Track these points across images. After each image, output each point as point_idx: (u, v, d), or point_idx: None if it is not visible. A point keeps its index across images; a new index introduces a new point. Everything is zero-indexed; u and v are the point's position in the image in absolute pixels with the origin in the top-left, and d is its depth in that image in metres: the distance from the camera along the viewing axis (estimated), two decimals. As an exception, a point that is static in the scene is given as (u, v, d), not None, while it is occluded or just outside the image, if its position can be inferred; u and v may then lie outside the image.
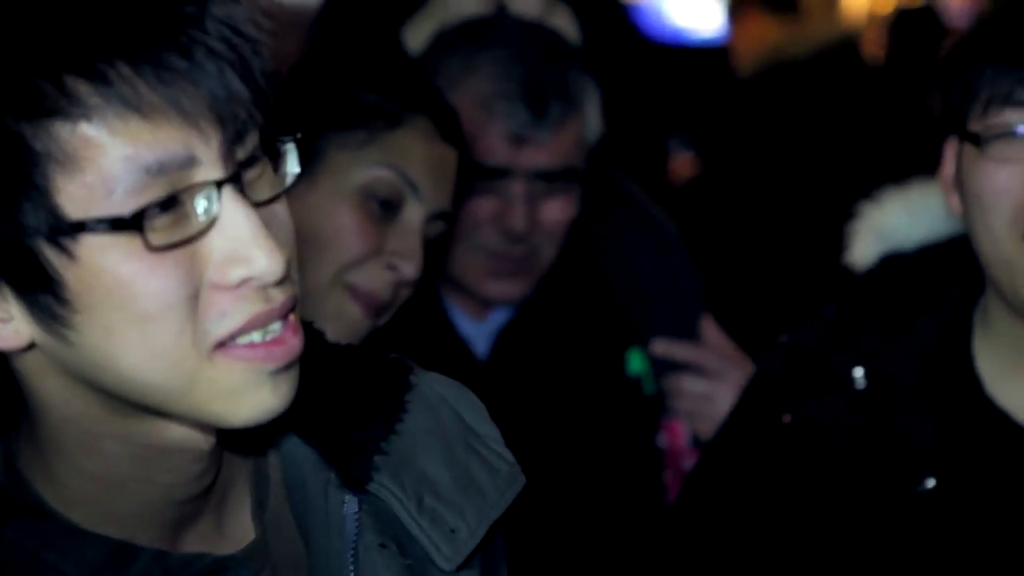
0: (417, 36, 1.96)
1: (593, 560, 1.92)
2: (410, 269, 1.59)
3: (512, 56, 1.85)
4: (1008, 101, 1.40)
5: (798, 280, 2.33)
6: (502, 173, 1.83)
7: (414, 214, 1.59)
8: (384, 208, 1.59)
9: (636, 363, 2.01)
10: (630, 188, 2.21)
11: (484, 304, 1.94)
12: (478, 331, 1.95)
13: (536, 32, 1.92)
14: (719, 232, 3.71)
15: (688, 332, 2.08)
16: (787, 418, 1.60)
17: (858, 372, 1.56)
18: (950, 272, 1.57)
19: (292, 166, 0.94)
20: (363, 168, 1.58)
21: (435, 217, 1.62)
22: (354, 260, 1.57)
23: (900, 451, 1.52)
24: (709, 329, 1.97)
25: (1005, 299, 1.49)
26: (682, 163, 4.50)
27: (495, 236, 1.86)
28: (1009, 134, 1.42)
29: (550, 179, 1.84)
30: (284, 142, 0.93)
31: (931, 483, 1.49)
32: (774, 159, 3.91)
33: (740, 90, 4.23)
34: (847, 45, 4.29)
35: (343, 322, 1.56)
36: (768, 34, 4.21)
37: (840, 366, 1.57)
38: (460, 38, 1.89)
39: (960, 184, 1.49)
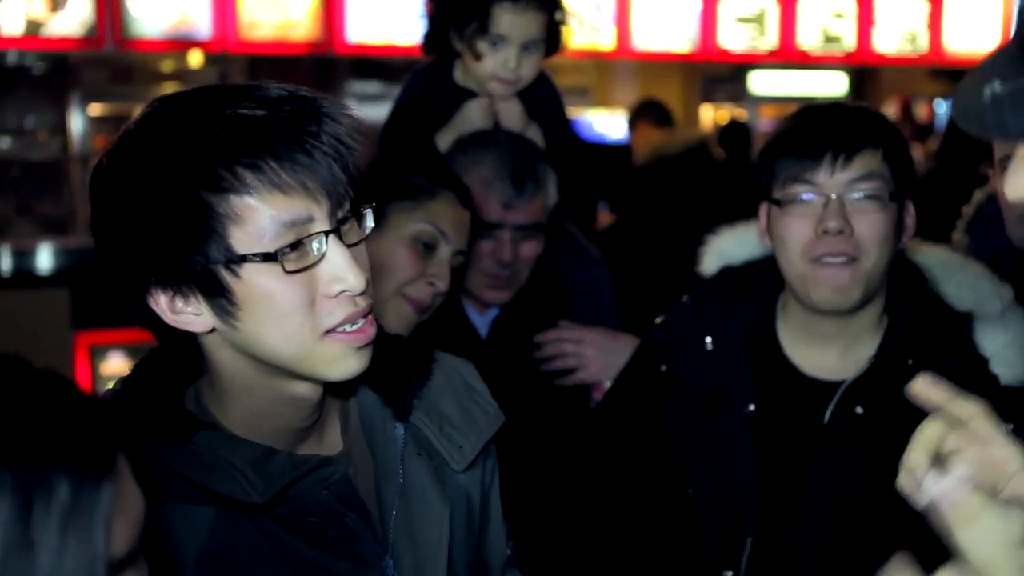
0: (444, 141, 2.38)
1: (550, 475, 2.29)
2: (443, 285, 1.99)
3: (503, 154, 2.26)
4: (797, 179, 1.72)
5: (672, 284, 2.58)
6: (498, 226, 2.24)
7: (444, 252, 2.00)
8: (426, 248, 1.99)
9: None
10: (570, 229, 2.65)
11: (484, 304, 2.35)
12: (481, 321, 2.36)
13: (518, 139, 2.34)
14: (626, 258, 4.52)
15: (606, 318, 2.49)
16: (663, 368, 1.89)
17: (708, 339, 1.86)
18: (762, 277, 1.86)
19: (369, 223, 1.22)
20: (413, 224, 1.97)
21: (457, 253, 2.03)
22: (408, 280, 1.97)
23: (733, 388, 1.80)
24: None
25: (799, 298, 1.78)
26: (604, 216, 5.65)
27: (492, 264, 2.26)
28: (798, 200, 1.72)
29: (526, 230, 2.26)
30: (365, 208, 1.22)
31: (752, 407, 1.78)
32: (657, 213, 4.95)
33: (636, 172, 5.39)
34: (702, 145, 5.38)
35: (401, 319, 1.97)
36: (652, 138, 5.53)
37: (696, 335, 1.86)
38: (470, 142, 2.32)
39: (770, 231, 1.79)
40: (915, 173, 1.83)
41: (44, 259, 6.01)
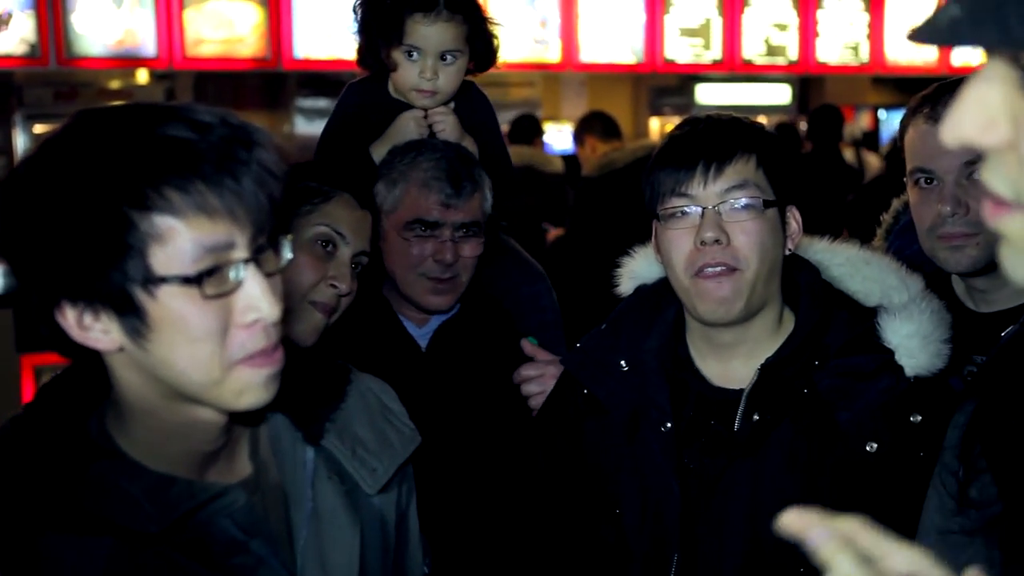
0: (378, 153, 2.40)
1: (485, 488, 2.29)
2: (344, 287, 1.98)
3: (440, 157, 2.29)
4: (673, 193, 1.73)
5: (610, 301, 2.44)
6: (437, 225, 2.26)
7: (344, 253, 2.00)
8: (325, 250, 2.00)
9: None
10: (511, 244, 2.68)
11: (426, 313, 2.34)
12: (421, 333, 2.36)
13: (454, 146, 2.37)
14: (575, 271, 4.42)
15: (550, 332, 2.53)
16: (585, 391, 1.91)
17: (622, 362, 1.86)
18: (670, 293, 1.83)
19: (287, 254, 1.22)
20: (310, 228, 1.96)
21: (359, 255, 2.03)
22: (311, 284, 1.96)
23: (650, 408, 1.80)
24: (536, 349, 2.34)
25: (689, 311, 1.80)
26: (553, 232, 5.65)
27: (433, 266, 2.27)
28: (677, 214, 1.73)
29: (466, 229, 2.28)
30: (283, 238, 1.22)
31: (669, 424, 1.78)
32: (605, 226, 4.68)
33: (584, 184, 5.32)
34: (649, 157, 5.90)
35: (310, 324, 1.96)
36: (599, 151, 5.57)
37: (611, 359, 1.88)
38: (406, 149, 2.34)
39: (658, 246, 1.81)
40: (796, 178, 1.84)
41: (-12, 281, 5.95)
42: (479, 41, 2.47)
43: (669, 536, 1.77)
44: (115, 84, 7.73)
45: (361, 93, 2.55)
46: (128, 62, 7.15)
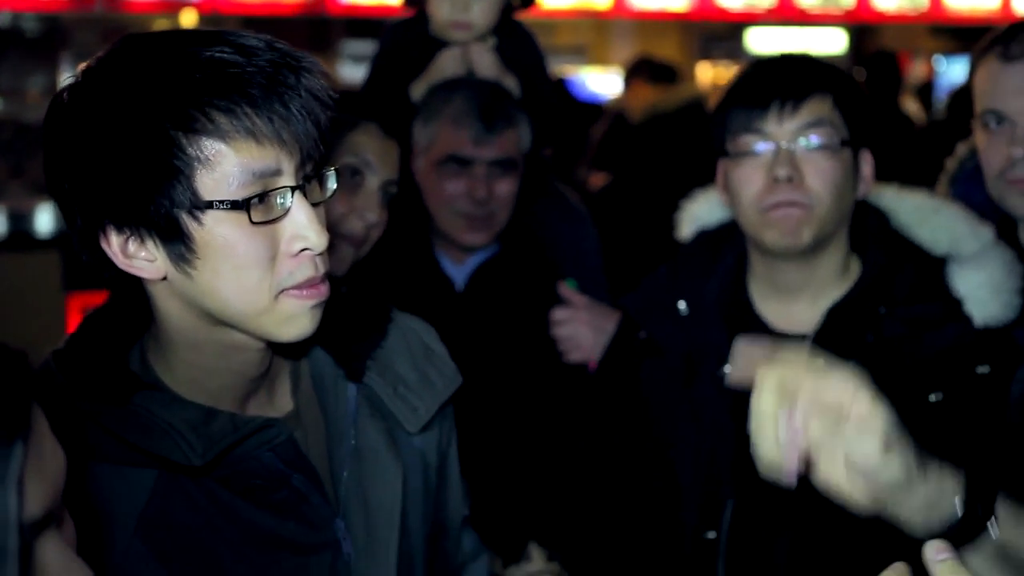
0: (417, 91, 2.41)
1: (522, 429, 2.30)
2: (373, 216, 1.96)
3: (472, 93, 2.28)
4: (746, 130, 1.72)
5: (664, 247, 2.48)
6: (469, 161, 2.25)
7: (372, 183, 1.97)
8: (353, 178, 1.96)
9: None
10: (557, 186, 2.67)
11: (463, 251, 2.33)
12: (458, 272, 2.35)
13: (487, 83, 2.36)
14: (622, 218, 4.53)
15: (590, 276, 2.49)
16: (642, 334, 1.91)
17: (682, 304, 1.85)
18: (733, 237, 1.85)
19: (331, 185, 1.21)
20: (337, 159, 1.91)
21: (387, 183, 2.00)
22: (339, 216, 1.93)
23: (708, 351, 1.80)
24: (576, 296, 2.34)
25: (756, 247, 1.78)
26: (597, 177, 5.63)
27: (467, 203, 2.26)
28: (749, 151, 1.72)
29: (499, 166, 2.26)
30: (328, 170, 1.20)
31: (728, 368, 1.77)
32: (653, 173, 4.78)
33: (632, 131, 5.38)
34: (697, 103, 5.05)
35: (339, 257, 1.91)
36: (647, 96, 5.50)
37: (670, 301, 1.86)
38: (441, 87, 2.35)
39: (726, 184, 1.79)
40: (871, 121, 1.82)
41: (36, 221, 5.99)
42: None
43: (724, 481, 1.76)
44: (161, 27, 7.70)
45: (402, 34, 2.55)
46: (173, 5, 7.13)
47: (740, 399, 1.71)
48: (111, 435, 1.17)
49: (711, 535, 1.77)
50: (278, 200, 1.14)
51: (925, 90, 9.64)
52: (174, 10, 7.28)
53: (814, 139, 1.71)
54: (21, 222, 5.98)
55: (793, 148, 1.71)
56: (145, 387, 1.20)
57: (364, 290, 1.40)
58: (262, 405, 1.29)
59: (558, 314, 2.30)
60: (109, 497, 1.18)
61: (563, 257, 2.47)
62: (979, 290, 1.73)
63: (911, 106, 7.42)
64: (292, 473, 1.26)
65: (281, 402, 1.32)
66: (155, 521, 1.19)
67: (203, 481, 1.21)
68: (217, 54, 1.10)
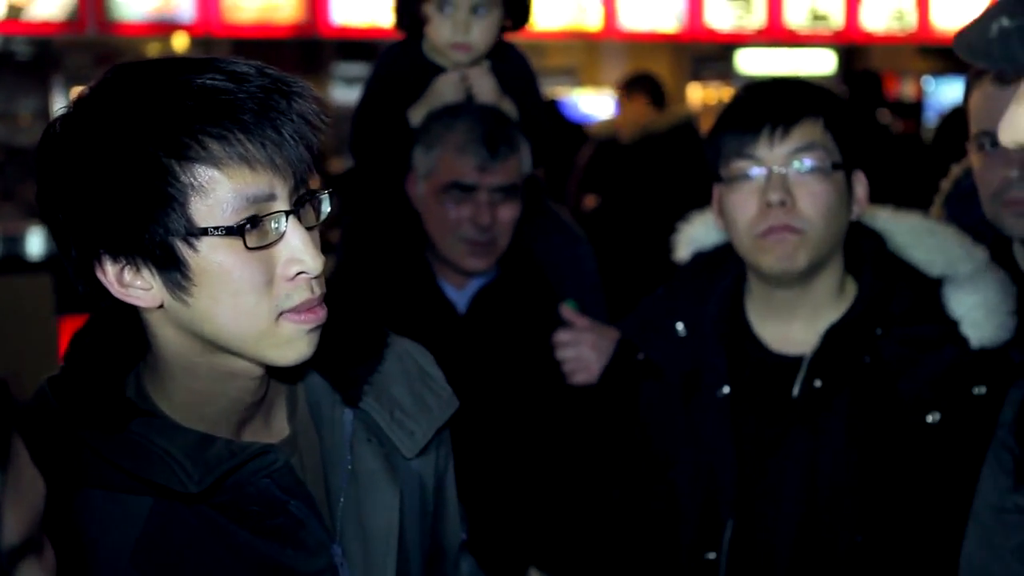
0: (416, 116, 2.41)
1: (522, 453, 2.30)
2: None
3: (475, 120, 2.28)
4: (739, 155, 1.73)
5: (655, 268, 2.55)
6: (473, 188, 2.26)
7: None
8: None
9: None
10: (553, 207, 2.67)
11: (464, 276, 2.33)
12: (460, 296, 2.35)
13: (489, 108, 2.36)
14: (613, 239, 4.72)
15: (590, 296, 2.50)
16: (640, 356, 1.92)
17: (679, 325, 1.86)
18: (730, 258, 1.85)
19: (326, 208, 1.21)
20: None
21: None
22: None
23: (707, 372, 1.81)
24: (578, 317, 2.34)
25: (753, 271, 1.79)
26: (589, 199, 5.68)
27: (471, 229, 2.26)
28: (742, 176, 1.73)
29: (502, 192, 2.27)
30: (322, 194, 1.21)
31: (726, 389, 1.79)
32: (643, 194, 5.05)
33: (622, 152, 5.45)
34: (688, 124, 5.46)
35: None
36: (641, 116, 5.49)
37: (668, 323, 1.87)
38: (443, 113, 2.34)
39: (720, 209, 1.80)
40: (864, 143, 1.82)
41: (28, 244, 5.97)
42: None
43: (724, 501, 1.77)
44: (153, 50, 7.73)
45: (397, 57, 2.54)
46: (165, 28, 7.15)
47: (738, 419, 1.78)
48: (107, 462, 1.17)
49: (711, 556, 1.77)
50: (272, 225, 1.14)
51: (913, 110, 9.70)
52: (166, 33, 7.30)
53: (806, 163, 1.72)
54: (13, 245, 5.97)
55: (785, 172, 1.71)
56: (141, 414, 1.20)
57: (360, 314, 1.39)
58: (258, 431, 1.29)
59: (562, 336, 2.30)
60: (104, 524, 1.18)
61: (562, 278, 2.48)
62: (974, 311, 1.73)
63: (897, 126, 7.46)
64: (289, 499, 1.25)
65: (278, 427, 1.32)
66: (151, 548, 1.18)
67: (199, 508, 1.20)
68: (208, 81, 1.11)
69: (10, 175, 7.21)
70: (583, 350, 2.27)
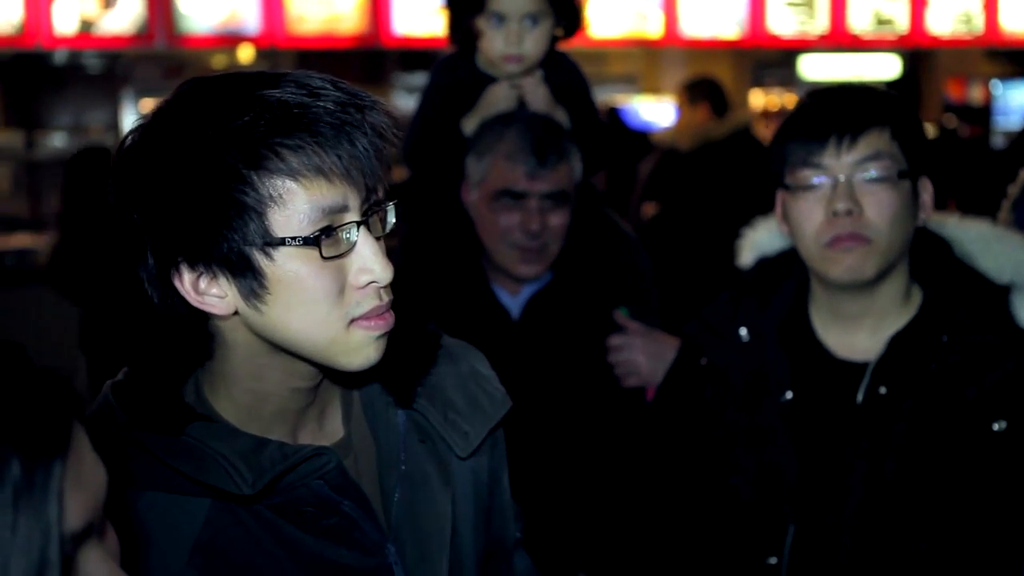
0: (469, 126, 2.45)
1: (576, 457, 2.32)
2: None
3: (525, 128, 2.31)
4: (805, 164, 1.74)
5: (714, 274, 2.57)
6: (523, 195, 2.29)
7: None
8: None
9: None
10: (607, 213, 2.66)
11: (517, 282, 2.37)
12: (513, 302, 2.39)
13: (539, 116, 2.39)
14: (672, 246, 4.75)
15: (646, 301, 2.51)
16: (704, 360, 1.92)
17: (743, 331, 1.87)
18: (794, 265, 1.86)
19: (391, 219, 1.22)
20: None
21: None
22: None
23: (769, 377, 1.82)
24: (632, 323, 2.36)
25: (819, 279, 1.79)
26: (649, 207, 5.72)
27: (521, 235, 2.30)
28: (808, 184, 1.74)
29: (552, 199, 2.30)
30: (388, 205, 1.22)
31: (789, 395, 1.80)
32: (702, 201, 4.99)
33: (681, 159, 5.43)
34: (746, 130, 5.41)
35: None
36: (701, 122, 5.47)
37: (732, 328, 1.88)
38: (494, 122, 2.38)
39: (785, 216, 1.81)
40: (930, 149, 1.81)
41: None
42: (562, 2, 2.47)
43: (785, 506, 1.77)
44: (220, 62, 7.88)
45: (450, 68, 2.58)
46: (232, 40, 7.28)
47: (801, 425, 1.78)
48: (165, 465, 1.19)
49: (772, 560, 1.77)
50: (344, 235, 1.16)
51: (982, 115, 9.53)
52: (232, 45, 7.43)
53: (873, 172, 1.71)
54: (83, 254, 6.09)
55: (852, 181, 1.71)
56: (199, 418, 1.22)
57: (413, 318, 1.41)
58: (314, 433, 1.31)
59: (615, 340, 2.32)
60: (164, 525, 1.20)
61: (615, 283, 2.49)
62: None
63: (964, 131, 7.34)
64: (342, 500, 1.27)
65: (332, 429, 1.34)
66: (209, 549, 1.21)
67: (256, 509, 1.23)
68: (286, 95, 1.13)
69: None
70: (635, 354, 2.29)
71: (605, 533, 2.28)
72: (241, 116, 1.12)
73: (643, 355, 2.30)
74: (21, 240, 6.53)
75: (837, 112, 1.73)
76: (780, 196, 1.81)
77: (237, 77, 1.17)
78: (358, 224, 1.17)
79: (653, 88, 9.21)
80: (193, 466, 1.19)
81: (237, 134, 1.12)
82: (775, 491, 1.78)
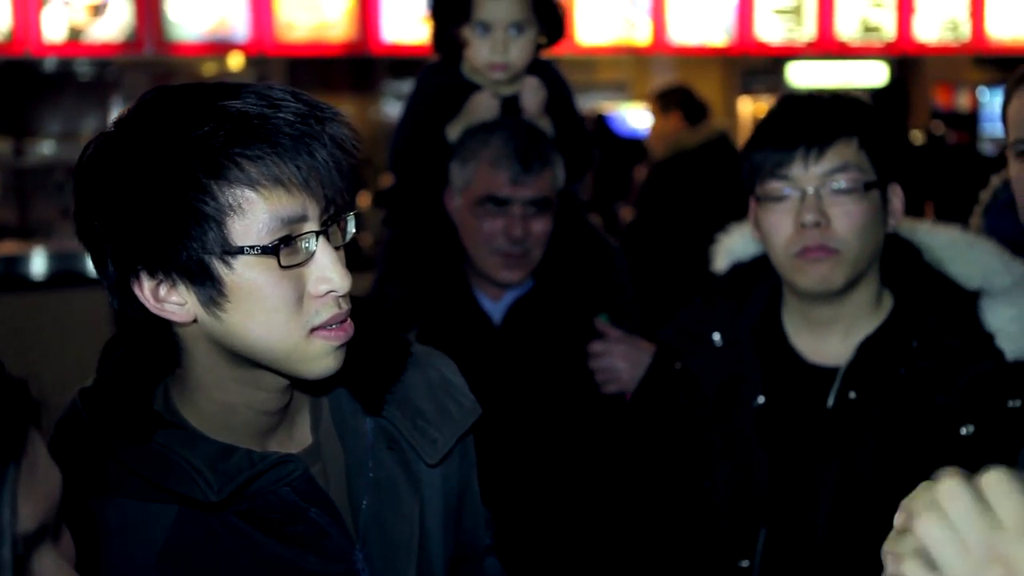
0: (453, 133, 2.47)
1: (556, 463, 2.34)
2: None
3: (509, 135, 2.33)
4: (773, 175, 1.74)
5: (687, 279, 2.56)
6: (507, 202, 2.30)
7: None
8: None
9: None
10: (588, 221, 2.70)
11: (499, 288, 2.38)
12: (495, 308, 2.41)
13: (523, 123, 2.41)
14: (647, 253, 4.75)
15: (623, 309, 2.53)
16: (678, 365, 1.94)
17: (716, 336, 1.89)
18: (767, 270, 1.87)
19: (351, 229, 1.24)
20: None
21: None
22: None
23: (742, 382, 1.83)
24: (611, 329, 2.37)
25: (789, 287, 1.80)
26: (625, 212, 5.80)
27: (504, 241, 2.31)
28: (777, 197, 1.74)
29: (534, 204, 2.31)
30: (348, 215, 1.23)
31: (761, 399, 1.81)
32: (677, 209, 5.02)
33: (655, 167, 5.41)
34: (722, 139, 5.38)
35: None
36: (674, 131, 5.40)
37: (705, 333, 1.90)
38: (478, 129, 2.39)
39: (757, 224, 1.81)
40: (900, 156, 1.82)
41: (86, 261, 6.07)
42: (546, 10, 2.51)
43: (757, 510, 1.78)
44: (210, 70, 7.88)
45: (436, 76, 2.60)
46: (221, 47, 7.28)
47: (773, 429, 1.79)
48: (132, 472, 1.20)
49: (744, 564, 1.79)
50: (304, 244, 1.17)
51: (968, 121, 9.56)
52: (222, 52, 7.43)
53: (841, 183, 1.72)
54: (71, 261, 6.11)
55: (820, 193, 1.72)
56: (167, 425, 1.23)
57: (382, 326, 1.41)
58: (282, 441, 1.32)
59: (595, 347, 2.33)
60: (131, 532, 1.21)
61: (595, 290, 2.51)
62: (1010, 324, 1.73)
63: (952, 137, 7.37)
64: (309, 507, 1.27)
65: (301, 437, 1.34)
66: (175, 555, 1.22)
67: (223, 516, 1.23)
68: (246, 106, 1.14)
69: (70, 194, 7.33)
70: (615, 361, 2.31)
71: (584, 538, 2.29)
72: (201, 126, 1.13)
73: (623, 361, 2.31)
74: (9, 248, 6.52)
75: (805, 123, 1.74)
76: (752, 203, 1.82)
77: (199, 88, 1.18)
78: (317, 234, 1.18)
79: (642, 95, 9.19)
80: (160, 473, 1.19)
81: (197, 144, 1.13)
82: (747, 495, 1.79)
